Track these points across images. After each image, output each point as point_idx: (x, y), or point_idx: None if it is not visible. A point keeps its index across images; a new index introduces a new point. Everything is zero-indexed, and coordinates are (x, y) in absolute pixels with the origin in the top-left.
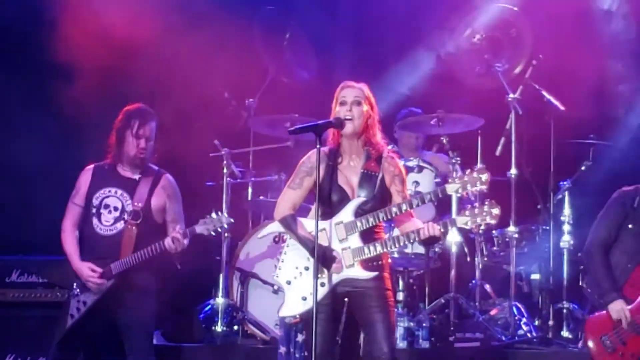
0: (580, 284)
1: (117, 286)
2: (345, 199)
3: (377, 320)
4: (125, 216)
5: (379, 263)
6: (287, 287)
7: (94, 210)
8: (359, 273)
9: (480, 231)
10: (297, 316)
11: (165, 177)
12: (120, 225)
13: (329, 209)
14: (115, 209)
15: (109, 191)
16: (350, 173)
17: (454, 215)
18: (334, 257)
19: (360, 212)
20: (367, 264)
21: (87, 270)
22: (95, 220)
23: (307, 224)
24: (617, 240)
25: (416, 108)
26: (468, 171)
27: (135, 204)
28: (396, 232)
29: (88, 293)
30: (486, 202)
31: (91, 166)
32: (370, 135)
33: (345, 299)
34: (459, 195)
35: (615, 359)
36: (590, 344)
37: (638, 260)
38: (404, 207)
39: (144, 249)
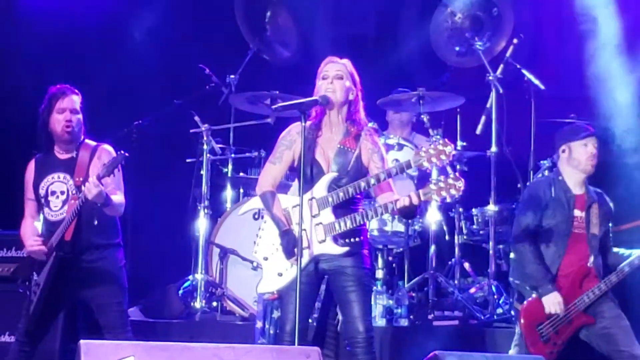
0: (510, 278)
1: (72, 264)
2: (320, 172)
3: (353, 300)
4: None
5: (356, 240)
6: (265, 263)
7: (42, 201)
8: (331, 248)
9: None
10: (275, 292)
11: (101, 148)
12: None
13: (305, 183)
14: (62, 192)
15: (52, 177)
16: (327, 147)
17: None
18: (294, 239)
19: (333, 188)
20: (342, 240)
21: (31, 240)
22: (46, 210)
23: (284, 200)
24: (541, 231)
25: (403, 88)
26: (432, 144)
27: (77, 179)
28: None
29: (41, 275)
30: (450, 175)
31: (32, 159)
32: (352, 111)
33: (325, 276)
34: (424, 168)
35: (549, 347)
36: (526, 333)
37: (565, 248)
38: (372, 180)
39: (72, 210)
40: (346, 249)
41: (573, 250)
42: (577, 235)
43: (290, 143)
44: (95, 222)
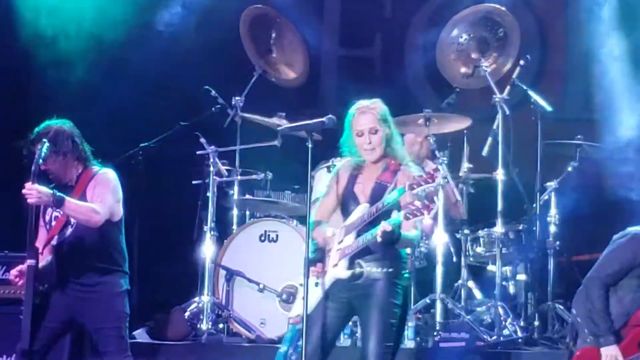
0: (572, 310)
1: (68, 286)
2: (357, 205)
3: (370, 327)
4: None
5: (385, 270)
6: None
7: (47, 227)
8: (340, 272)
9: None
10: (297, 316)
11: (101, 172)
12: (68, 230)
13: (346, 216)
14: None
15: None
16: (366, 182)
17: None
18: (317, 260)
19: None
20: (364, 264)
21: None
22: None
23: (329, 230)
24: (623, 283)
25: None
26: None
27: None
28: None
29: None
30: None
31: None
32: (391, 149)
33: (349, 305)
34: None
35: None
36: None
37: (634, 310)
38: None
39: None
40: (350, 272)
41: None
42: None
43: (336, 176)
44: (92, 246)
